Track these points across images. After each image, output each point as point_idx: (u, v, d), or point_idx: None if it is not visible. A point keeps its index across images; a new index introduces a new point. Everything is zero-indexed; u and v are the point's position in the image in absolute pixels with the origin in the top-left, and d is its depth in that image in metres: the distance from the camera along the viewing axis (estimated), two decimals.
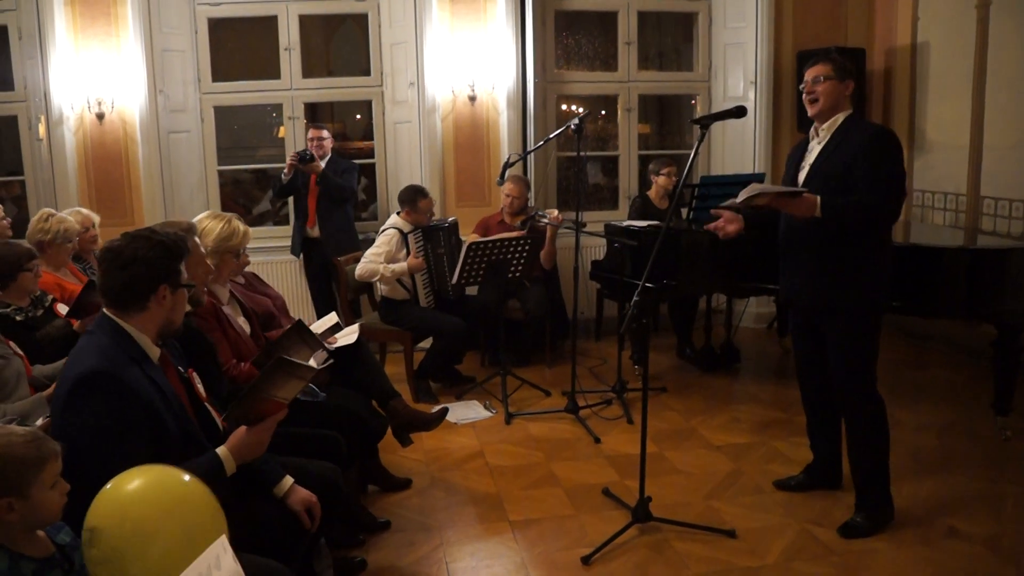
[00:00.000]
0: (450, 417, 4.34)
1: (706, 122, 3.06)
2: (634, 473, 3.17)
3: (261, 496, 2.17)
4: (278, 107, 5.95)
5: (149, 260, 1.99)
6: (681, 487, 3.52)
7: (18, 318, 2.98)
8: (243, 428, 2.05)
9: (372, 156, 6.01)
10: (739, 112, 3.03)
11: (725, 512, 3.27)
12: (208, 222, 2.94)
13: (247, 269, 3.43)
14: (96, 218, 4.26)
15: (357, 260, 4.91)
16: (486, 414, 4.49)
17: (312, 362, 2.70)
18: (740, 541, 3.04)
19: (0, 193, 5.84)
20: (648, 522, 3.11)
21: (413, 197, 4.77)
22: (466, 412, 4.52)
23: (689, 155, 3.07)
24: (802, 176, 3.06)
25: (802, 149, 3.15)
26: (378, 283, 4.87)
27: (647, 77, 6.27)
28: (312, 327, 3.16)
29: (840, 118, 2.99)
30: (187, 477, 1.60)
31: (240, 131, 7.05)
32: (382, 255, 4.69)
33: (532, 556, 2.97)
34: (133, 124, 5.47)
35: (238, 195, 6.84)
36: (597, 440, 4.04)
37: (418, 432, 3.51)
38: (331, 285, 5.30)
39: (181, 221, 2.62)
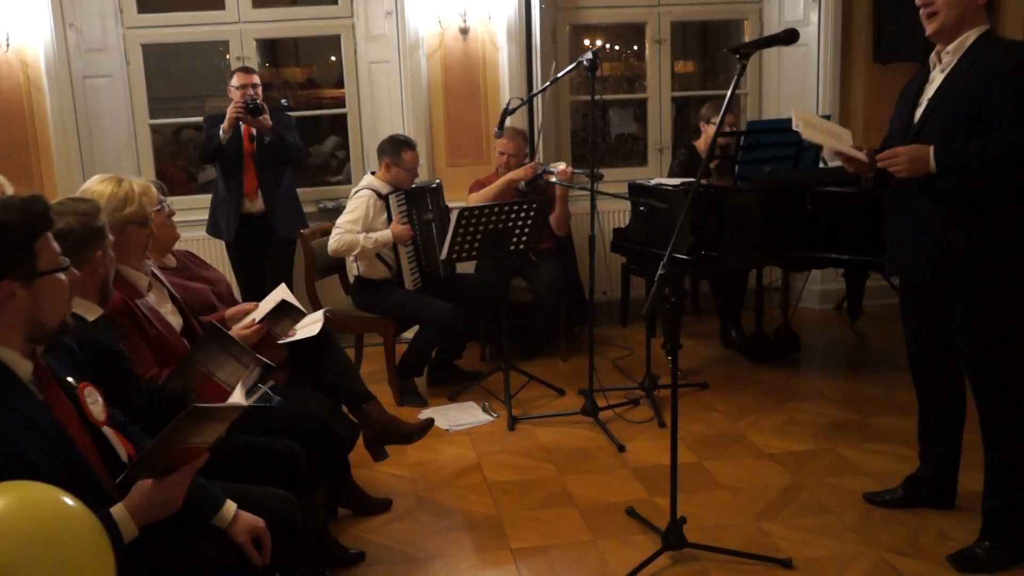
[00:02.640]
0: (441, 422, 4.36)
1: (746, 51, 2.98)
2: (666, 489, 3.13)
3: (196, 529, 2.10)
4: (227, 45, 5.88)
5: None
6: (724, 506, 3.49)
7: None
8: (149, 482, 1.93)
9: (341, 104, 5.99)
10: (789, 37, 2.96)
11: (779, 537, 3.24)
12: (96, 187, 2.80)
13: (179, 246, 3.39)
14: (7, 185, 4.21)
15: (325, 233, 4.88)
16: (485, 418, 4.49)
17: (249, 377, 2.62)
18: (798, 573, 3.00)
19: None
20: (682, 549, 3.08)
21: (396, 148, 4.75)
22: (460, 416, 4.52)
23: (736, 96, 3.00)
24: (918, 114, 2.95)
25: (919, 82, 3.03)
26: (353, 260, 4.85)
27: (682, 0, 6.18)
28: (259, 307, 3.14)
29: (970, 37, 2.85)
30: (70, 500, 1.52)
31: (183, 77, 6.98)
32: (358, 222, 4.66)
33: None
34: (37, 67, 5.40)
35: (179, 157, 6.78)
36: (621, 448, 4.04)
37: (396, 444, 3.50)
38: (277, 273, 5.09)
39: (79, 198, 2.43)
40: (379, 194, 4.73)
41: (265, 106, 4.98)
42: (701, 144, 5.52)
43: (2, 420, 1.76)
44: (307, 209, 5.71)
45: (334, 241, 4.65)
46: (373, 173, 4.86)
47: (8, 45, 5.32)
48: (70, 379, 2.03)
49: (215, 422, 2.01)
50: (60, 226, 2.08)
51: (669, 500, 3.07)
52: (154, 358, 2.77)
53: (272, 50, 7.53)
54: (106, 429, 2.06)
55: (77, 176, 5.35)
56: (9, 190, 4.13)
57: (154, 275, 2.99)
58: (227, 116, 4.93)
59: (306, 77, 7.72)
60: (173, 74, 6.51)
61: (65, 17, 5.41)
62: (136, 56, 5.67)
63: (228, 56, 5.85)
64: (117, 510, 1.89)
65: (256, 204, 5.16)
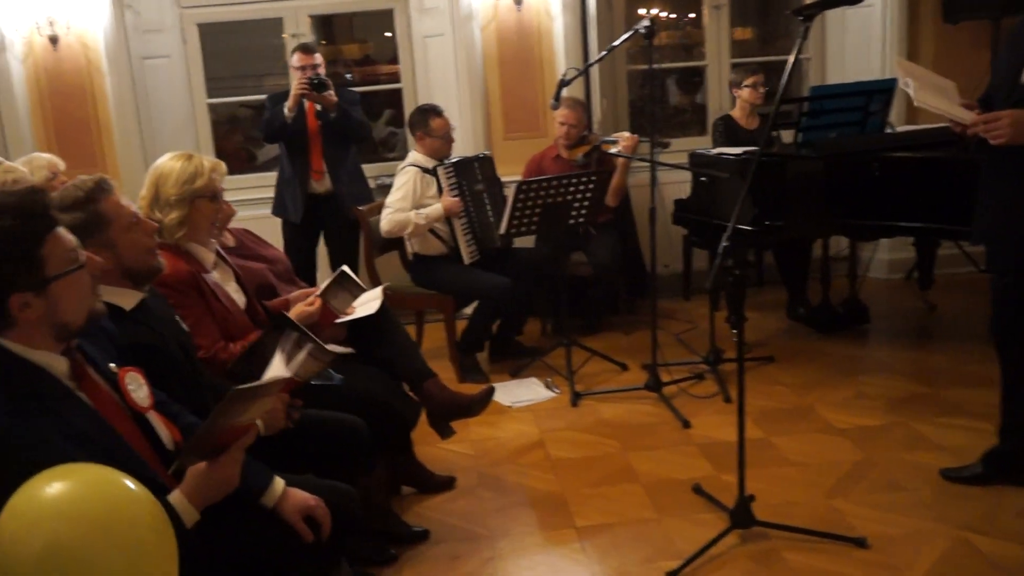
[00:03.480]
0: (503, 399, 4.35)
1: (810, 12, 2.87)
2: (733, 465, 3.08)
3: (244, 509, 2.07)
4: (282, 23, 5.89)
5: None
6: (794, 482, 3.43)
7: None
8: (202, 465, 1.91)
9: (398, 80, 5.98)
10: None
11: (852, 515, 3.16)
12: (166, 164, 2.83)
13: (236, 224, 3.39)
14: (60, 164, 4.28)
15: (380, 210, 4.89)
16: (548, 394, 4.47)
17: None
18: (873, 552, 2.93)
19: None
20: (751, 527, 3.03)
21: (423, 118, 4.74)
22: (523, 392, 4.51)
23: (797, 62, 2.89)
24: None
25: None
26: (407, 238, 4.84)
27: None
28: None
29: None
30: (132, 484, 1.50)
31: (241, 56, 7.01)
32: (407, 199, 4.65)
33: (604, 570, 2.93)
34: (96, 49, 5.47)
35: (237, 136, 6.84)
36: (686, 424, 3.99)
37: (460, 419, 3.48)
38: (343, 255, 5.11)
39: (87, 177, 2.31)
40: (424, 168, 4.71)
41: (330, 82, 4.93)
42: (736, 112, 5.44)
43: (45, 433, 1.70)
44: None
45: (385, 222, 4.65)
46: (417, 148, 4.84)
47: (69, 28, 5.39)
48: (112, 365, 1.99)
49: (259, 399, 1.97)
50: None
51: (736, 477, 3.01)
52: (218, 330, 2.80)
53: (328, 26, 7.55)
54: (151, 415, 2.02)
55: (137, 156, 5.43)
56: (62, 166, 4.21)
57: (219, 255, 3.01)
58: (291, 93, 4.88)
59: (363, 53, 7.73)
60: (230, 53, 6.54)
61: None
62: (192, 36, 5.72)
63: (284, 34, 5.84)
64: (174, 496, 1.87)
65: (323, 183, 5.10)
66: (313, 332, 2.96)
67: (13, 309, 1.75)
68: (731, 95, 5.48)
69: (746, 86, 5.31)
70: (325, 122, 5.02)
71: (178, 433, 2.08)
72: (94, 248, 2.06)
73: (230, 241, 3.43)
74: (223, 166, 2.91)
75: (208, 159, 2.86)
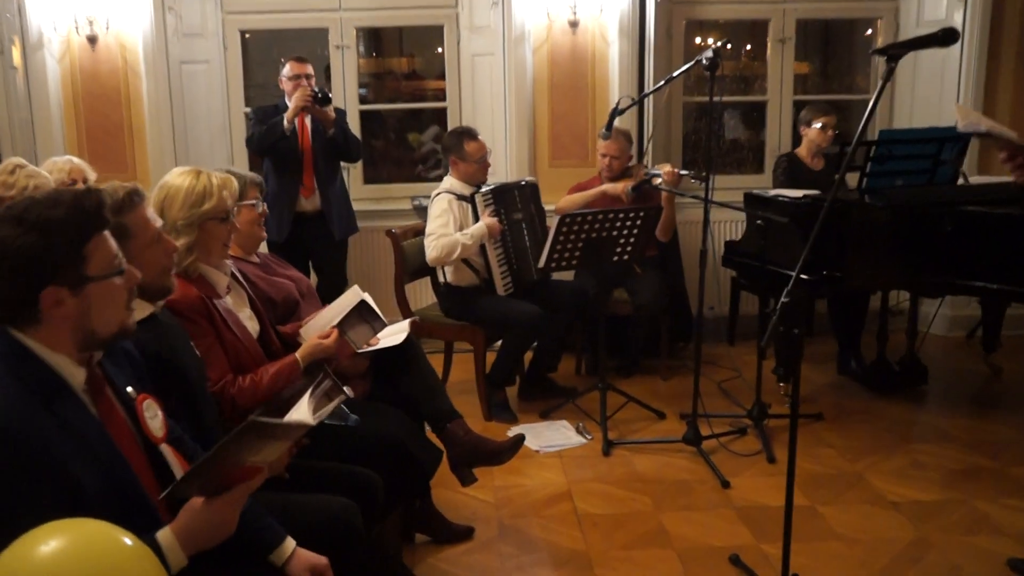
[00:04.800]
0: (531, 442, 4.22)
1: (896, 52, 2.68)
2: (776, 534, 2.90)
3: (250, 564, 1.97)
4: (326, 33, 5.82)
5: (16, 253, 1.68)
6: (842, 559, 3.23)
7: None
8: (198, 501, 1.78)
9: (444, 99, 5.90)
10: (946, 38, 2.63)
11: None
12: (172, 183, 2.70)
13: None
14: (90, 171, 4.21)
15: (417, 232, 4.77)
16: (578, 440, 4.34)
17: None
18: None
19: None
20: None
21: (457, 141, 4.63)
22: (552, 436, 4.38)
23: (860, 101, 2.70)
24: None
25: None
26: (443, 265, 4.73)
27: None
28: (324, 313, 3.01)
29: None
30: (129, 540, 1.42)
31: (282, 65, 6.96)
32: (448, 225, 4.52)
33: None
34: (135, 51, 5.46)
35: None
36: (725, 484, 3.82)
37: (485, 467, 3.35)
38: (330, 276, 5.08)
39: (120, 185, 2.26)
40: (459, 196, 4.59)
41: (332, 96, 4.90)
42: (803, 151, 5.29)
43: (48, 434, 1.64)
44: (400, 206, 5.74)
45: (432, 249, 4.50)
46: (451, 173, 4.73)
47: (108, 28, 5.37)
48: (129, 389, 1.91)
49: (276, 440, 1.87)
50: None
51: (778, 549, 2.79)
52: (228, 363, 2.68)
53: (376, 39, 7.48)
54: (164, 447, 1.94)
55: (169, 163, 5.37)
56: (91, 175, 4.16)
57: (234, 277, 2.88)
58: (293, 105, 4.82)
59: (410, 68, 7.65)
60: (269, 61, 6.46)
61: (165, 1, 5.44)
62: (234, 42, 5.67)
63: (329, 45, 5.77)
64: (164, 535, 1.74)
65: (312, 202, 5.05)
66: (329, 366, 2.84)
67: (45, 304, 1.71)
68: (798, 133, 5.33)
69: (815, 126, 5.16)
70: (320, 138, 4.97)
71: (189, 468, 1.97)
72: None
73: (255, 258, 3.32)
74: (234, 183, 2.78)
75: (217, 175, 2.73)
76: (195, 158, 5.50)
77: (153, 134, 5.49)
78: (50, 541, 1.40)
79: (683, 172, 4.65)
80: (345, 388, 2.41)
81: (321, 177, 5.03)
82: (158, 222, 2.27)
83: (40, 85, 5.35)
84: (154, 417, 1.94)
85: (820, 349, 5.48)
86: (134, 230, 2.17)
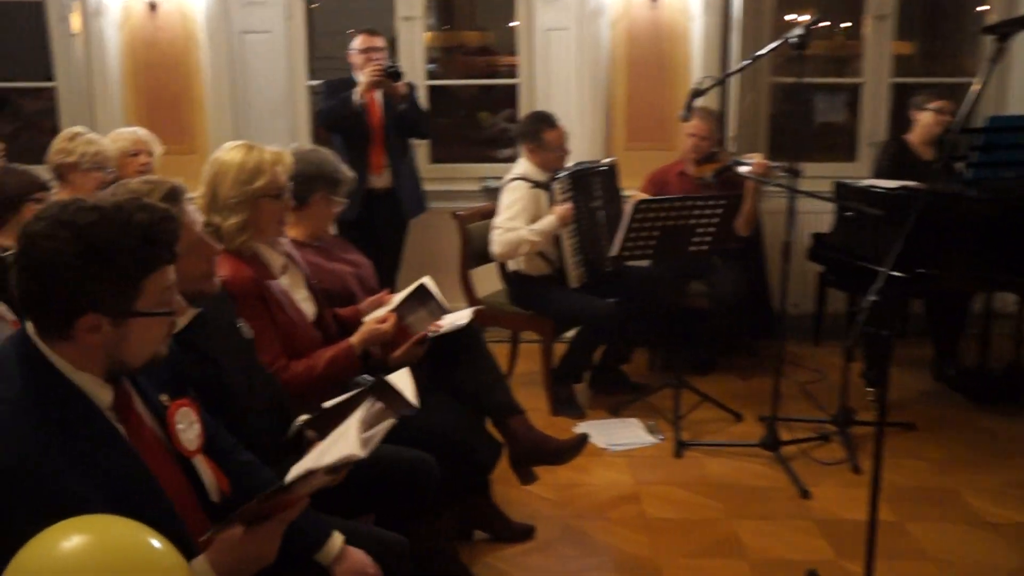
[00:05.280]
0: (599, 439, 4.23)
1: (1008, 30, 2.61)
2: (858, 551, 2.83)
3: (296, 565, 1.97)
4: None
5: (65, 269, 1.61)
6: None
7: None
8: (238, 530, 1.74)
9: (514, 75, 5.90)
10: None
11: None
12: (224, 159, 2.72)
13: None
14: (156, 145, 4.35)
15: (485, 215, 4.79)
16: (649, 439, 4.33)
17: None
18: None
19: (24, 105, 6.08)
20: None
21: (536, 128, 4.62)
22: (621, 434, 4.38)
23: (966, 85, 2.63)
24: None
25: None
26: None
27: None
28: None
29: None
30: (157, 542, 1.41)
31: (349, 36, 7.03)
32: (518, 219, 4.51)
33: None
34: (195, 19, 5.53)
35: None
36: (805, 494, 3.77)
37: (545, 465, 3.35)
38: (390, 256, 5.16)
39: (160, 181, 2.22)
40: (534, 182, 4.58)
41: (403, 71, 4.96)
42: (914, 138, 5.16)
43: (67, 468, 1.59)
44: (467, 187, 5.73)
45: (497, 244, 4.53)
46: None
47: None
48: (163, 397, 1.89)
49: (329, 476, 1.88)
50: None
51: (861, 567, 2.75)
52: (282, 347, 2.72)
53: (448, 10, 7.52)
54: (197, 459, 1.92)
55: (229, 136, 5.39)
56: (157, 148, 4.28)
57: (290, 257, 2.91)
58: (365, 80, 4.88)
59: (483, 42, 7.68)
60: (335, 31, 6.52)
61: None
62: (298, 11, 5.71)
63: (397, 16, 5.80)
64: (198, 564, 1.71)
65: (382, 179, 5.13)
66: (385, 352, 2.86)
67: (80, 327, 1.65)
68: (895, 118, 5.20)
69: (928, 109, 5.04)
70: (391, 113, 5.03)
71: (226, 481, 1.97)
72: None
73: (317, 242, 3.36)
74: (287, 158, 2.79)
75: (270, 150, 2.74)
76: (254, 131, 5.57)
77: (212, 106, 5.58)
78: (72, 538, 1.38)
79: (775, 165, 4.57)
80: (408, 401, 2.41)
81: (392, 154, 5.11)
82: (199, 223, 2.24)
83: (99, 53, 5.47)
84: (188, 427, 1.91)
85: (915, 353, 5.32)
86: (182, 230, 2.14)
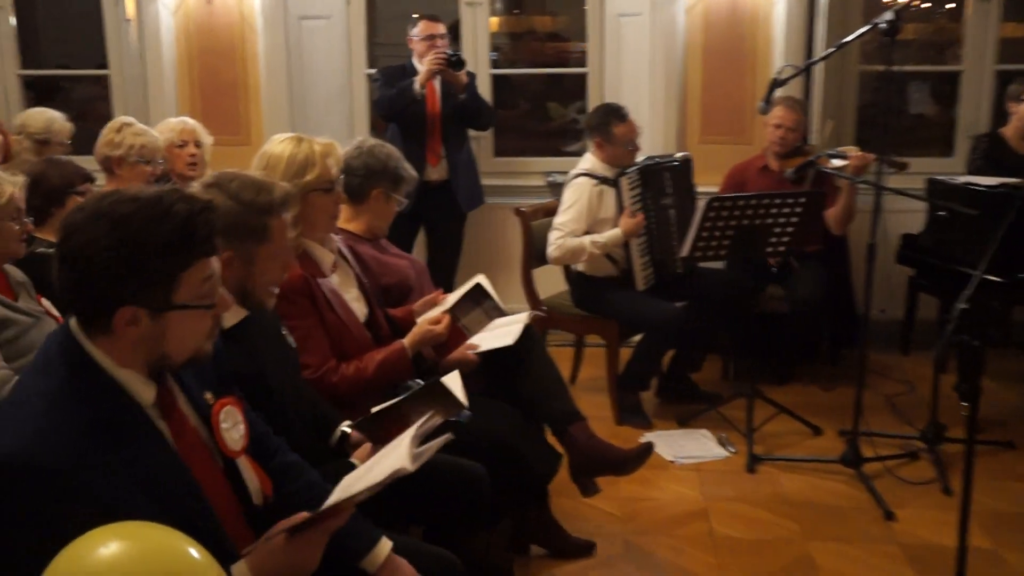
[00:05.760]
0: (665, 451, 4.23)
1: None
2: None
3: (340, 571, 1.99)
4: None
5: (102, 260, 1.64)
6: None
7: None
8: (280, 537, 1.78)
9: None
10: None
11: None
12: (273, 152, 2.77)
13: None
14: (204, 135, 4.43)
15: (549, 212, 4.80)
16: (720, 452, 4.31)
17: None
18: None
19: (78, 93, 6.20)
20: None
21: (604, 121, 4.59)
22: (690, 446, 4.36)
23: None
24: None
25: None
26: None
27: None
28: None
29: None
30: (196, 552, 1.43)
31: (411, 22, 7.08)
32: (580, 219, 4.50)
33: None
34: (252, 4, 5.61)
35: None
36: (889, 515, 3.71)
37: (607, 476, 3.34)
38: (457, 249, 5.28)
39: (283, 185, 2.33)
40: (600, 178, 4.56)
41: (466, 60, 5.02)
42: (1009, 131, 5.09)
43: (111, 464, 1.63)
44: (532, 182, 5.75)
45: (554, 248, 4.52)
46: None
47: None
48: (208, 395, 1.93)
49: (375, 490, 1.89)
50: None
51: None
52: (331, 348, 2.76)
53: None
54: (241, 460, 1.96)
55: (284, 126, 5.54)
56: (206, 139, 4.35)
57: (341, 255, 2.95)
58: (425, 68, 4.96)
59: (553, 28, 7.66)
60: (394, 17, 6.57)
61: None
62: None
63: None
64: (238, 569, 1.75)
65: (438, 171, 5.21)
66: (438, 355, 2.88)
67: (118, 320, 1.68)
68: (1002, 110, 5.10)
69: None
70: (450, 103, 5.10)
71: (269, 484, 2.01)
72: (233, 252, 2.14)
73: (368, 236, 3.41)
74: (338, 150, 2.85)
75: (320, 142, 2.80)
76: (311, 121, 5.66)
77: (268, 94, 5.67)
78: (110, 545, 1.40)
79: (878, 159, 4.45)
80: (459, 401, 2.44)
81: (449, 145, 5.19)
82: (293, 233, 2.34)
83: (153, 39, 5.59)
84: (233, 427, 1.94)
85: (1016, 365, 5.25)
86: (273, 235, 2.25)
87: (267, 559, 1.77)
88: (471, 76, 5.17)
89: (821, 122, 5.47)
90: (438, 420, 2.31)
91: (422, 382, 2.80)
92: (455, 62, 4.93)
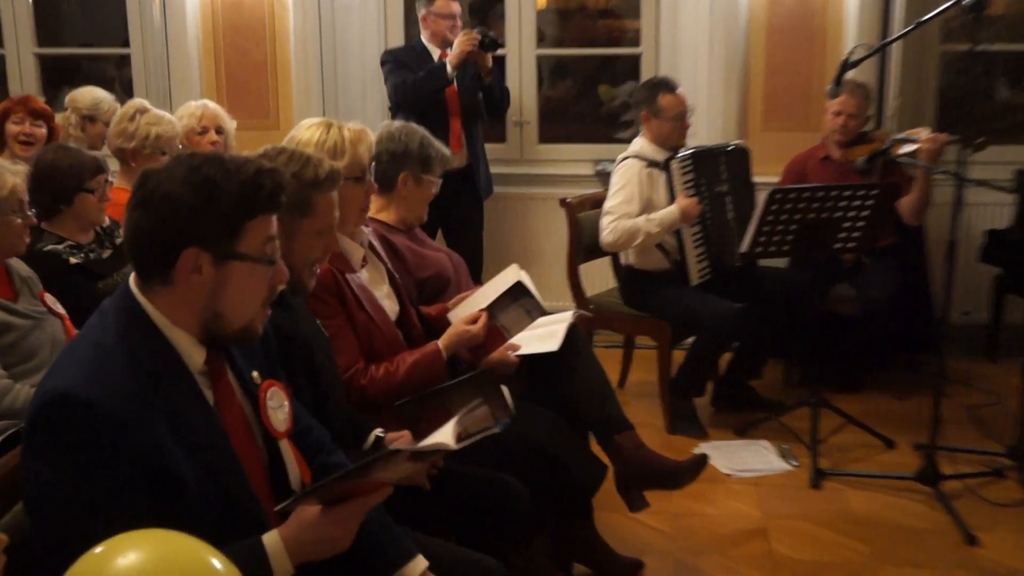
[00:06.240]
0: (721, 463, 4.23)
1: None
2: None
3: None
4: None
5: (175, 200, 1.79)
6: None
7: (73, 260, 3.08)
8: (314, 509, 1.85)
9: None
10: None
11: None
12: (302, 136, 2.79)
13: None
14: (226, 120, 4.44)
15: (597, 203, 4.80)
16: (781, 465, 4.30)
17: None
18: None
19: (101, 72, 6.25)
20: None
21: (651, 92, 4.63)
22: (748, 458, 4.37)
23: None
24: None
25: None
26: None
27: None
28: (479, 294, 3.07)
29: None
30: (217, 562, 1.45)
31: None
32: (632, 202, 4.50)
33: None
34: None
35: None
36: (971, 539, 3.65)
37: (657, 489, 3.31)
38: (479, 240, 5.39)
39: (331, 162, 2.42)
40: (650, 161, 4.56)
41: (501, 41, 5.17)
42: None
43: (154, 418, 1.74)
44: (580, 171, 5.79)
45: (608, 232, 4.53)
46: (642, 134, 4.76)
47: None
48: (255, 374, 2.02)
49: (414, 462, 1.98)
50: None
51: None
52: (359, 348, 2.78)
53: None
54: (284, 443, 2.03)
55: (315, 110, 5.63)
56: (228, 123, 4.37)
57: (372, 249, 2.96)
58: (457, 50, 5.04)
59: (606, 4, 7.63)
60: None
61: None
62: None
63: None
64: (270, 539, 1.82)
65: (459, 158, 5.26)
66: (476, 357, 2.89)
67: (183, 264, 1.81)
68: None
69: None
70: (473, 87, 5.22)
71: (308, 473, 2.09)
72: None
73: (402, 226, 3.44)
74: (370, 136, 2.87)
75: (350, 128, 2.81)
76: (343, 106, 5.72)
77: (299, 76, 5.72)
78: (129, 554, 1.43)
79: (950, 139, 4.42)
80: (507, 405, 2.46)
81: (469, 131, 5.27)
82: (336, 213, 2.40)
83: (178, 15, 5.66)
84: (278, 407, 2.02)
85: None
86: (316, 211, 2.33)
87: (300, 530, 1.84)
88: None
89: (896, 108, 5.42)
90: (484, 409, 2.39)
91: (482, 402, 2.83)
92: (489, 43, 4.99)
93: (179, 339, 1.85)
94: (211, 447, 1.83)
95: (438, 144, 3.32)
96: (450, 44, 5.16)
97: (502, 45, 5.11)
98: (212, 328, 1.87)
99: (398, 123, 3.41)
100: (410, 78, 5.14)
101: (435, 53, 5.26)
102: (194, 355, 1.87)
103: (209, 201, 1.80)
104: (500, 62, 5.52)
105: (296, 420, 2.09)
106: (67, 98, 4.68)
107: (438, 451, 2.01)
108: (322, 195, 2.35)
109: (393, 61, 5.26)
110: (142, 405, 1.75)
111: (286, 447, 2.04)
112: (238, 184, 1.83)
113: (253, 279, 1.89)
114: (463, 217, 5.37)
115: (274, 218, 1.91)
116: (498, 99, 5.28)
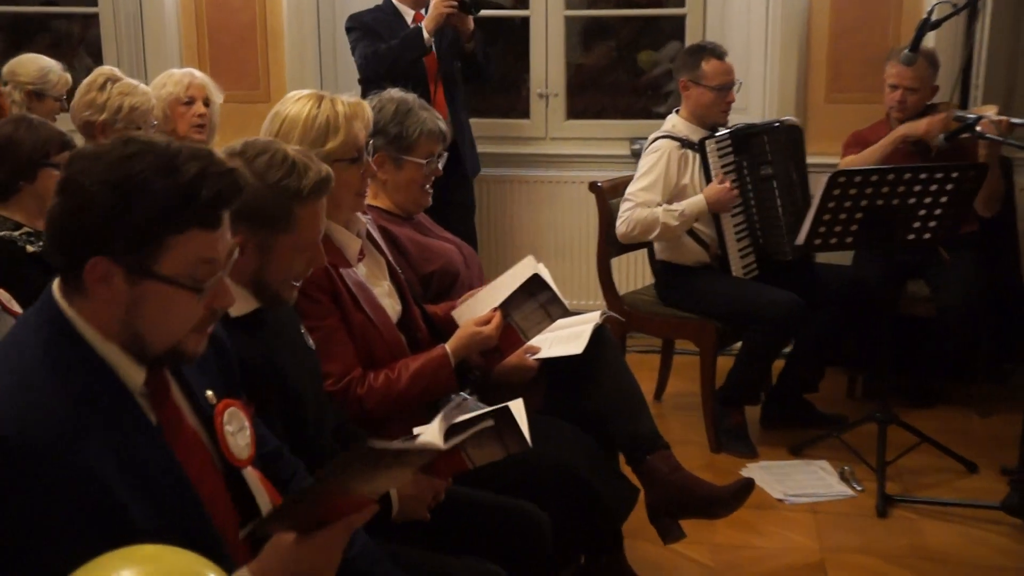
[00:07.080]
0: (773, 487, 4.25)
1: None
2: None
3: None
4: None
5: (90, 198, 1.69)
6: None
7: (30, 248, 3.08)
8: (288, 537, 1.80)
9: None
10: None
11: None
12: (289, 112, 2.78)
13: None
14: (215, 92, 4.45)
15: (623, 187, 4.81)
16: (843, 490, 4.31)
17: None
18: None
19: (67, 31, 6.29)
20: None
21: (693, 58, 4.68)
22: (805, 481, 4.38)
23: None
24: None
25: None
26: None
27: None
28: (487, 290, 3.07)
29: None
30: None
31: None
32: (655, 188, 4.51)
33: None
34: None
35: None
36: None
37: (695, 518, 3.31)
38: (471, 224, 5.44)
39: (322, 166, 2.37)
40: (683, 141, 4.58)
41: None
42: None
43: (91, 448, 1.67)
44: (615, 150, 5.81)
45: (623, 222, 4.57)
46: (676, 111, 4.77)
47: None
48: (209, 393, 1.96)
49: (398, 468, 1.90)
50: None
51: None
52: (355, 353, 2.78)
53: None
54: (248, 471, 1.99)
55: (311, 79, 5.68)
56: (217, 97, 4.37)
57: (370, 239, 2.98)
58: (434, 12, 5.02)
59: None
60: None
61: None
62: None
63: None
64: None
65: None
66: (489, 362, 2.88)
67: (89, 272, 1.72)
68: None
69: None
70: (451, 53, 5.26)
71: (279, 498, 2.06)
72: (246, 237, 2.16)
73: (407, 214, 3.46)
74: (367, 111, 2.86)
75: (345, 100, 2.81)
76: (342, 77, 5.74)
77: (292, 42, 5.75)
78: (123, 571, 1.47)
79: (1016, 121, 4.39)
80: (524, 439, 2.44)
81: (453, 102, 5.31)
82: (323, 225, 2.37)
83: None
84: (239, 431, 1.98)
85: None
86: (297, 226, 2.29)
87: (272, 564, 1.80)
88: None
89: (985, 78, 5.37)
90: (494, 443, 2.36)
91: (467, 396, 2.79)
92: (471, 4, 4.99)
93: (112, 355, 1.77)
94: (162, 478, 1.77)
95: (424, 115, 3.29)
96: (425, 5, 5.14)
97: (487, 5, 5.12)
98: (136, 347, 1.79)
99: (389, 93, 3.39)
100: (382, 47, 5.12)
101: (408, 15, 5.25)
102: (131, 373, 1.79)
103: (126, 205, 1.70)
104: (510, 27, 5.61)
105: (261, 443, 2.06)
106: (4, 70, 4.59)
107: (425, 451, 1.98)
108: (306, 207, 2.30)
109: (360, 28, 5.25)
110: (75, 431, 1.66)
111: (251, 475, 2.00)
112: (168, 188, 1.72)
113: (176, 303, 1.79)
114: (448, 200, 5.30)
115: (219, 233, 1.80)
116: (483, 66, 5.30)
